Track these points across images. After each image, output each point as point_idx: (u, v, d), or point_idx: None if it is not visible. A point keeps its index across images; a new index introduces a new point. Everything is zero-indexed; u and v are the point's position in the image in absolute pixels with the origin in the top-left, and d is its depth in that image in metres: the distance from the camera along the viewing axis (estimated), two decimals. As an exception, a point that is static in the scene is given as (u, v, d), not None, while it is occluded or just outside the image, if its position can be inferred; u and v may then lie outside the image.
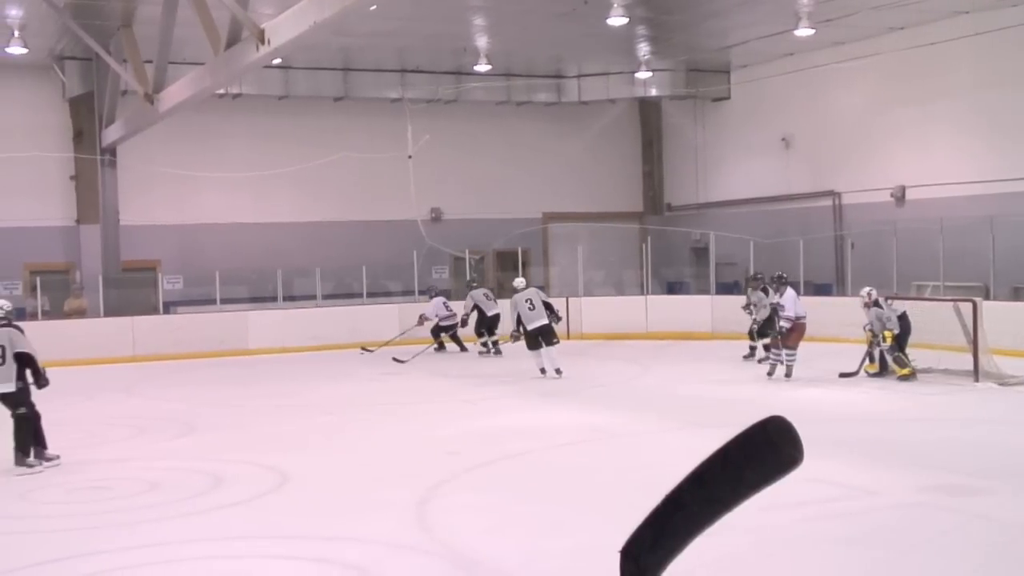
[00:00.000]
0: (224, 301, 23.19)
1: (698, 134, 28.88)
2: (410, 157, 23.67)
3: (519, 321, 16.91)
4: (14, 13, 19.43)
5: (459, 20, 21.17)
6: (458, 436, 11.69)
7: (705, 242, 25.02)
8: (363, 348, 21.40)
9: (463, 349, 21.30)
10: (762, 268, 23.17)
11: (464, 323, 21.16)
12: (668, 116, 29.95)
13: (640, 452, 10.93)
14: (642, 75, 26.14)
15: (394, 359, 19.68)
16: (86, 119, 23.90)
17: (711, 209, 28.06)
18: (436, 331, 21.33)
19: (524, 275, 25.64)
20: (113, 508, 8.86)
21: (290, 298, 23.82)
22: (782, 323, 15.39)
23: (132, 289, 23.78)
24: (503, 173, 28.35)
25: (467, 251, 25.09)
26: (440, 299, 21.49)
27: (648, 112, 30.18)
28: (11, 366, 10.50)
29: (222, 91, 22.28)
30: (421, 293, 22.97)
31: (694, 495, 1.49)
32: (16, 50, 20.38)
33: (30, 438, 10.52)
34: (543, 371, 16.85)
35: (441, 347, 21.38)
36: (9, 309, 10.95)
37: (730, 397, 14.17)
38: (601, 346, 21.80)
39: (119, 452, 11.59)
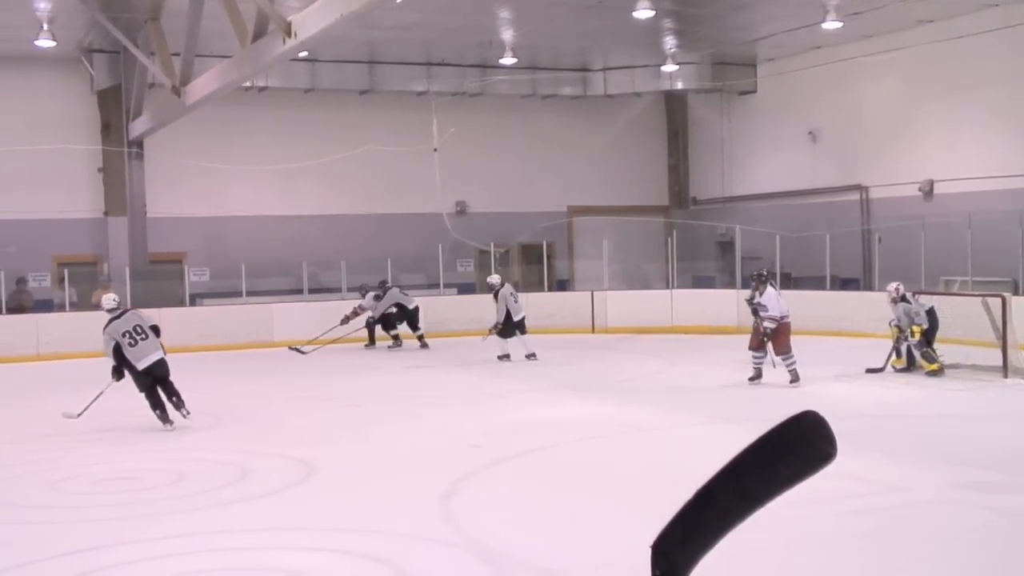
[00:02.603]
0: (250, 293, 23.29)
1: (724, 128, 28.77)
2: (435, 150, 23.68)
3: (507, 313, 18.38)
4: (43, 6, 19.54)
5: (485, 13, 21.15)
6: (483, 429, 11.70)
7: (731, 236, 24.94)
8: (291, 347, 21.20)
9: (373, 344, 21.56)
10: (789, 262, 23.14)
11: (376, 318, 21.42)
12: (694, 110, 29.84)
13: (666, 447, 10.91)
14: (668, 68, 26.03)
15: (292, 348, 20.70)
16: (114, 112, 24.03)
17: (737, 203, 27.95)
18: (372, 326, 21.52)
19: (549, 268, 25.76)
20: (141, 499, 8.92)
21: (315, 291, 23.88)
22: (766, 324, 14.34)
23: (159, 281, 23.89)
24: (528, 166, 28.33)
25: (492, 244, 25.08)
26: (371, 295, 21.58)
27: (674, 105, 30.07)
28: (154, 338, 12.40)
29: (248, 84, 22.33)
30: (351, 290, 22.87)
31: (725, 490, 1.49)
32: (45, 43, 20.50)
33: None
34: (508, 357, 18.24)
35: (373, 343, 21.56)
36: (119, 300, 13.03)
37: (756, 392, 14.12)
38: (626, 340, 21.77)
39: (147, 443, 11.67)
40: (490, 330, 18.75)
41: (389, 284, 21.83)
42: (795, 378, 14.22)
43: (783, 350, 14.39)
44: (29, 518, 8.42)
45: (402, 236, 25.84)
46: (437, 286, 24.42)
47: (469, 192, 27.52)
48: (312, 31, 13.22)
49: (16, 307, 21.87)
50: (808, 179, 25.79)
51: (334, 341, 20.99)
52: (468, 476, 9.34)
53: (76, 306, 22.14)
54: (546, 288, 25.57)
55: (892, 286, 15.23)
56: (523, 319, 18.77)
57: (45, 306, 22.39)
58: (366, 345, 21.45)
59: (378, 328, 21.51)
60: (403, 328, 21.47)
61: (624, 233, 26.77)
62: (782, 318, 14.44)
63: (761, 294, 14.61)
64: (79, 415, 12.42)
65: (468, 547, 7.29)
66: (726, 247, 26.29)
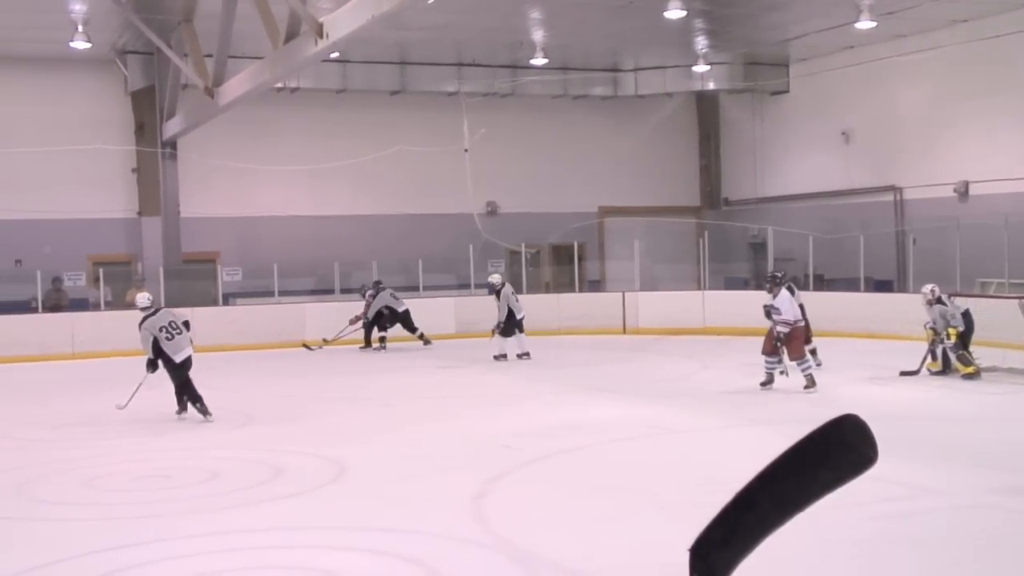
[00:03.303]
0: (282, 293, 23.41)
1: (756, 128, 28.64)
2: (466, 151, 23.68)
3: (510, 312, 18.69)
4: (78, 8, 19.71)
5: (515, 13, 21.14)
6: (515, 430, 11.68)
7: (763, 237, 24.82)
8: (306, 345, 21.70)
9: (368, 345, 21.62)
10: (822, 264, 23.00)
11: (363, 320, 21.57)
12: (726, 110, 29.72)
13: (698, 448, 10.87)
14: (700, 69, 25.93)
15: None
16: (147, 112, 24.21)
17: (769, 204, 27.82)
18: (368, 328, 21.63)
19: (579, 269, 25.73)
20: (174, 496, 8.98)
21: (347, 290, 23.96)
22: (779, 328, 13.94)
23: (192, 281, 24.04)
24: (559, 167, 28.30)
25: (523, 245, 25.08)
26: (369, 293, 21.69)
27: (705, 106, 29.97)
28: (187, 333, 13.12)
29: (280, 85, 22.47)
30: (350, 291, 23.01)
31: (765, 494, 1.48)
32: (80, 45, 20.67)
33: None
34: (504, 357, 18.48)
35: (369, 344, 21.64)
36: (152, 299, 13.77)
37: (788, 394, 14.02)
38: (657, 341, 21.71)
39: (180, 441, 11.76)
40: (493, 330, 18.95)
41: (383, 285, 21.90)
42: (810, 383, 13.85)
43: (797, 355, 14.03)
44: (65, 515, 8.49)
45: (433, 236, 25.87)
46: (468, 286, 24.43)
47: (500, 192, 27.53)
48: (344, 32, 13.27)
49: (52, 306, 22.08)
50: (841, 180, 25.63)
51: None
52: (500, 477, 9.33)
53: (111, 305, 22.32)
54: (577, 289, 25.56)
55: (927, 288, 15.08)
56: (522, 319, 18.98)
57: (80, 305, 22.58)
58: (361, 347, 21.49)
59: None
60: (398, 331, 21.58)
61: (655, 234, 26.69)
62: (795, 322, 14.09)
63: (775, 296, 14.23)
64: (124, 406, 13.03)
65: (499, 547, 7.28)
66: (758, 248, 26.16)
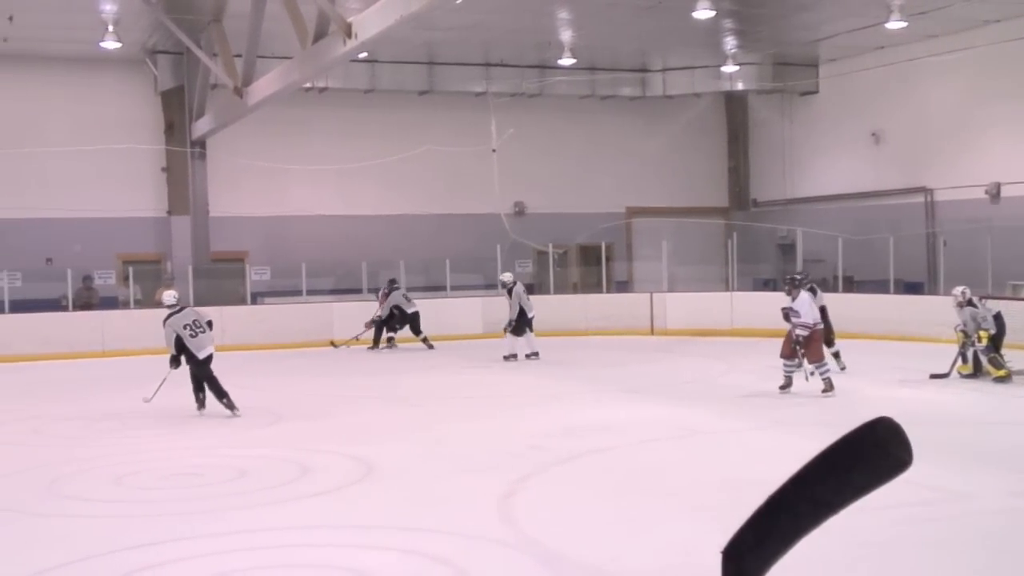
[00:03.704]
0: (310, 292, 23.51)
1: (785, 129, 28.52)
2: (494, 151, 23.70)
3: (521, 311, 18.85)
4: (108, 8, 19.85)
5: (543, 14, 21.14)
6: (542, 431, 11.67)
7: (792, 238, 24.71)
8: (333, 343, 21.89)
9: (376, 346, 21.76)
10: (851, 265, 22.87)
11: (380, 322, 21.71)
12: (755, 110, 29.61)
13: (726, 450, 10.82)
14: (728, 69, 25.84)
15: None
16: (177, 112, 24.36)
17: (798, 205, 27.69)
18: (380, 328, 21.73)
19: (607, 270, 25.71)
20: (203, 495, 9.02)
21: (374, 290, 24.03)
22: (798, 331, 13.67)
23: (221, 280, 24.19)
24: (587, 167, 28.28)
25: (550, 245, 25.07)
26: (381, 292, 21.92)
27: (734, 106, 29.87)
28: (210, 332, 13.48)
29: (309, 85, 22.55)
30: (371, 291, 23.13)
31: (799, 497, 1.47)
32: (110, 44, 20.81)
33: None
34: (515, 357, 18.60)
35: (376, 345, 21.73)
36: (178, 297, 14.07)
37: (816, 397, 13.94)
38: (685, 342, 21.65)
39: (209, 439, 11.81)
40: (505, 328, 19.07)
41: (397, 284, 21.97)
42: (829, 387, 13.61)
43: (816, 358, 13.78)
44: (95, 512, 8.55)
45: (460, 236, 25.91)
46: (495, 286, 24.43)
47: (527, 193, 27.54)
48: (372, 32, 13.30)
49: (82, 304, 22.25)
50: (871, 181, 25.48)
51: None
52: (527, 477, 9.33)
53: (140, 304, 22.47)
54: (604, 289, 25.53)
55: (958, 290, 14.96)
56: (533, 318, 19.14)
57: (110, 303, 22.76)
58: (369, 348, 21.58)
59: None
60: (404, 332, 21.71)
61: (683, 235, 26.61)
62: (815, 325, 13.82)
63: (794, 299, 13.96)
64: (150, 399, 13.41)
65: (526, 548, 7.27)
66: (787, 249, 26.05)
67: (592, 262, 26.36)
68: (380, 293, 21.78)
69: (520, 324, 18.94)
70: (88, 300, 22.51)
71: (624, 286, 27.30)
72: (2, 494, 9.24)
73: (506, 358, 18.76)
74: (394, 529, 7.80)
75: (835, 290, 22.12)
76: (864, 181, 25.63)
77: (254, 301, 23.77)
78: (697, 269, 26.12)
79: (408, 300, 21.63)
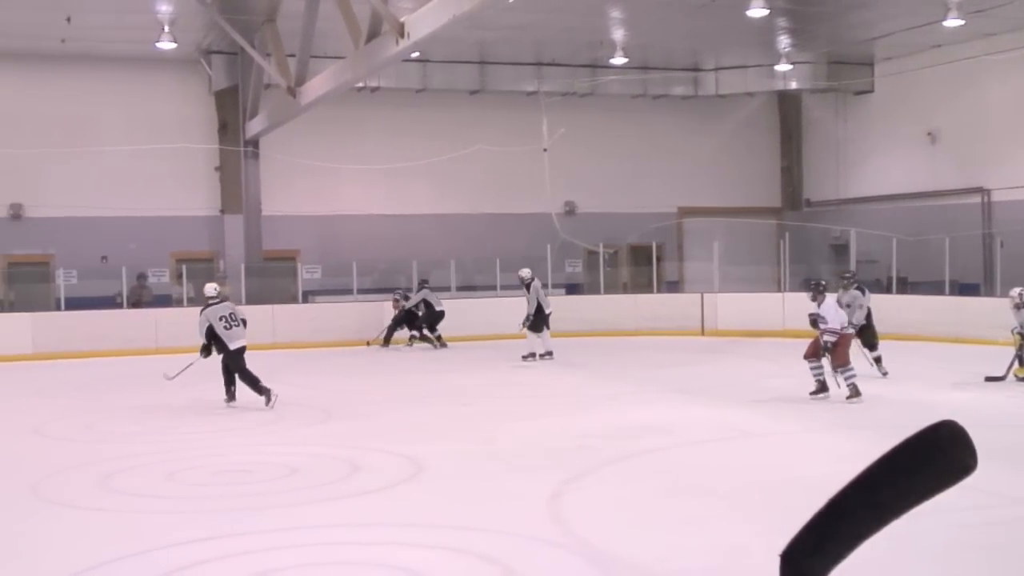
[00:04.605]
0: (360, 291, 23.62)
1: (839, 128, 28.24)
2: (545, 150, 23.67)
3: (539, 307, 18.88)
4: (164, 9, 20.08)
5: (596, 13, 21.09)
6: (592, 430, 11.64)
7: (845, 239, 24.46)
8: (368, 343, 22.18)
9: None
10: (906, 266, 22.59)
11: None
12: (808, 110, 29.35)
13: (778, 452, 10.73)
14: (782, 68, 25.64)
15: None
16: (230, 112, 24.58)
17: (852, 205, 27.42)
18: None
19: (658, 270, 25.60)
20: (254, 491, 9.08)
21: (399, 289, 24.12)
22: (826, 338, 13.23)
23: (273, 278, 24.39)
24: (638, 167, 28.18)
25: (601, 245, 25.00)
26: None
27: (787, 106, 29.62)
28: (243, 329, 13.94)
29: (361, 84, 22.65)
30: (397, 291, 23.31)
31: (860, 501, 1.43)
32: (166, 45, 21.05)
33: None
34: (534, 356, 18.62)
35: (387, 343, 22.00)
36: (219, 290, 14.39)
37: (871, 399, 13.76)
38: (736, 343, 21.50)
39: (260, 436, 11.90)
40: (523, 324, 19.04)
41: (427, 283, 22.23)
42: (854, 393, 13.17)
43: (840, 362, 13.32)
44: (147, 507, 8.63)
45: (511, 236, 25.91)
46: (545, 286, 24.38)
47: (578, 192, 27.49)
48: (424, 32, 13.33)
49: (136, 302, 22.52)
50: (926, 181, 25.17)
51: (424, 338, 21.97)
52: (577, 477, 9.30)
53: (193, 301, 22.63)
54: (655, 290, 25.42)
55: (1015, 292, 14.72)
56: (550, 314, 19.18)
57: (164, 301, 23.02)
58: (381, 344, 21.84)
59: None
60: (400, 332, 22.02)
61: (735, 235, 26.43)
62: (843, 329, 13.42)
63: (819, 304, 13.56)
64: (173, 377, 14.19)
65: (576, 548, 7.25)
66: (840, 250, 25.80)
67: (643, 262, 26.26)
68: (395, 295, 22.14)
69: (537, 320, 18.95)
70: (141, 297, 22.78)
71: (675, 286, 27.17)
72: (55, 489, 9.35)
73: (524, 358, 18.72)
74: (443, 528, 7.80)
75: (889, 291, 21.87)
76: (919, 181, 25.32)
77: (305, 300, 23.94)
78: (748, 270, 25.92)
79: (436, 298, 21.83)
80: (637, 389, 15.31)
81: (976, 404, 13.34)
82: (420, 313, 21.75)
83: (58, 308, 22.03)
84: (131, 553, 7.20)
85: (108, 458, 10.67)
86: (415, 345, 21.87)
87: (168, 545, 7.35)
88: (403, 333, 21.97)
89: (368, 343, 22.07)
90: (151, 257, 23.79)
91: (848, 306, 15.37)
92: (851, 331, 13.88)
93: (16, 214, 23.65)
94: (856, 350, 14.49)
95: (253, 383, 13.59)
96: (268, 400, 13.42)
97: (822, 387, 13.61)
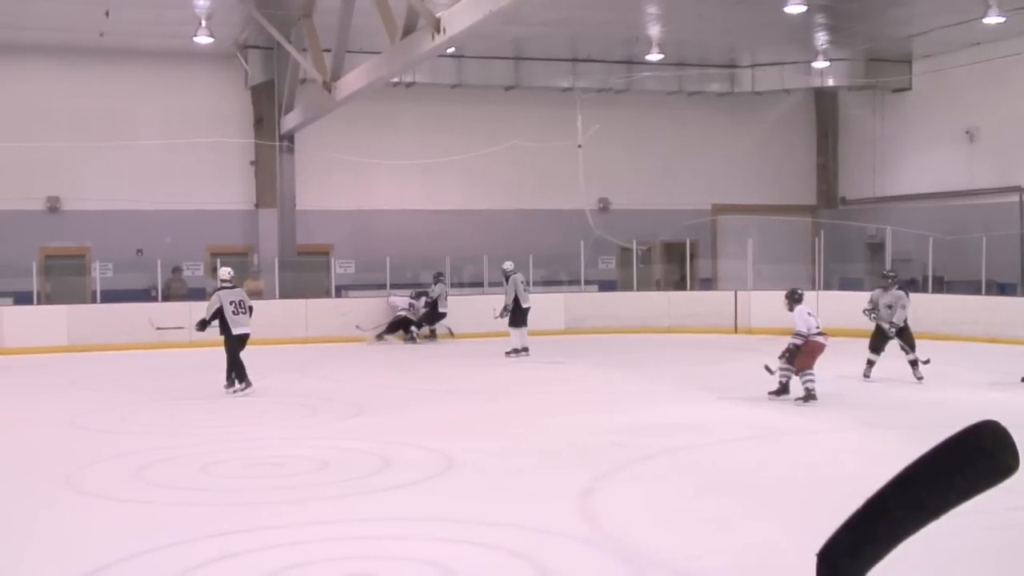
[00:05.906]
0: (394, 286, 23.66)
1: (876, 126, 28.01)
2: (579, 147, 23.65)
3: (517, 302, 18.92)
4: (202, 3, 20.20)
5: (631, 9, 21.02)
6: (622, 427, 11.61)
7: (881, 237, 24.27)
8: (358, 327, 22.24)
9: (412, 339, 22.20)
10: (942, 265, 22.38)
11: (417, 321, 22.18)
12: (845, 107, 29.14)
13: (809, 451, 10.67)
14: (819, 65, 25.46)
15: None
16: (266, 106, 24.69)
17: (888, 203, 27.19)
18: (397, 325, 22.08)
19: (691, 267, 25.50)
20: (286, 484, 9.11)
21: (457, 285, 24.13)
22: (793, 340, 13.51)
23: (306, 272, 24.49)
24: (672, 164, 28.08)
25: (634, 242, 24.94)
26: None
27: (824, 103, 29.42)
28: (248, 316, 14.54)
29: (396, 79, 22.68)
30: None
31: (899, 501, 1.41)
32: (203, 39, 21.16)
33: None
34: (516, 352, 18.69)
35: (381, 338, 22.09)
36: (233, 275, 14.96)
37: (905, 399, 13.67)
38: (770, 341, 21.26)
39: (292, 430, 11.95)
40: (501, 313, 19.26)
41: (442, 279, 22.40)
42: (809, 396, 13.16)
43: (802, 367, 13.42)
44: (179, 499, 8.69)
45: (544, 232, 25.88)
46: (578, 283, 24.39)
47: (612, 189, 27.42)
48: (460, 27, 13.33)
49: (171, 295, 22.67)
50: (964, 180, 24.92)
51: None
52: (608, 474, 9.28)
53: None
54: (688, 287, 25.33)
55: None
56: (528, 309, 19.22)
57: (198, 294, 23.13)
58: (377, 337, 21.93)
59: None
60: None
61: (769, 232, 26.28)
62: (810, 336, 13.47)
63: (792, 311, 13.78)
64: (159, 328, 15.45)
65: (606, 545, 7.23)
66: (876, 249, 25.59)
67: (676, 259, 26.19)
68: (410, 295, 22.30)
69: (516, 315, 19.02)
70: (176, 290, 22.93)
71: (708, 284, 27.07)
72: (90, 481, 9.42)
73: (508, 354, 18.77)
74: (474, 523, 7.80)
75: (925, 290, 21.69)
76: (957, 180, 25.09)
77: (338, 294, 24.02)
78: (783, 268, 25.73)
79: (445, 301, 22.11)
80: (669, 387, 15.27)
81: (1013, 405, 13.21)
82: (425, 310, 21.87)
83: (93, 301, 22.21)
84: (164, 545, 7.24)
85: (141, 450, 10.75)
86: (440, 339, 21.97)
87: (200, 537, 7.39)
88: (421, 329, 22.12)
89: (358, 327, 22.07)
90: (186, 251, 23.95)
91: (890, 307, 15.29)
92: (821, 339, 13.66)
93: (53, 207, 23.85)
94: (896, 350, 14.44)
95: (239, 369, 14.26)
96: (240, 388, 14.19)
97: (783, 388, 13.61)
